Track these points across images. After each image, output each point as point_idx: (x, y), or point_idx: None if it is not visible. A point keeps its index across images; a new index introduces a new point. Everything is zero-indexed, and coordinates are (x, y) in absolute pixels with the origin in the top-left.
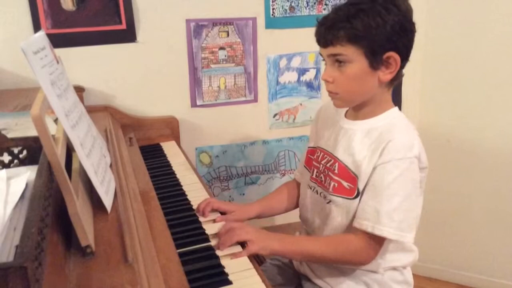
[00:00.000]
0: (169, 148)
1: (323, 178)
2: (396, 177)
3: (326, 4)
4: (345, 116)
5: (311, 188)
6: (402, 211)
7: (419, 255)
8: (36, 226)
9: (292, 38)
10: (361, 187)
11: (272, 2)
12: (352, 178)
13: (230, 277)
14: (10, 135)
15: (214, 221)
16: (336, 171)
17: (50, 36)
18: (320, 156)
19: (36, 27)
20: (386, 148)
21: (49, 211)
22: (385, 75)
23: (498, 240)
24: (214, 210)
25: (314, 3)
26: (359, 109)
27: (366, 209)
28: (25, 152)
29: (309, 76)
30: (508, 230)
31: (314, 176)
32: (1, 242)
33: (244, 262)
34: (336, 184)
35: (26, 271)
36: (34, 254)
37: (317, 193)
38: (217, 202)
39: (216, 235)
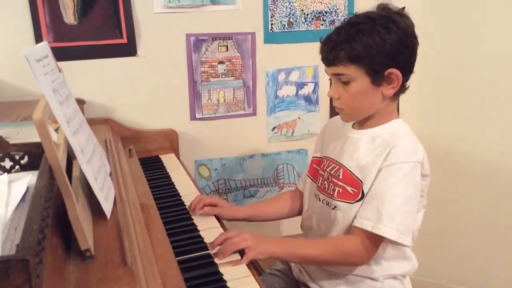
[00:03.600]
0: (168, 161)
1: (326, 185)
2: (399, 179)
3: (323, 20)
4: (352, 127)
5: (316, 197)
6: (402, 213)
7: (417, 269)
8: (37, 223)
9: (290, 53)
10: (365, 191)
11: (271, 17)
12: (357, 183)
13: (229, 284)
14: (11, 142)
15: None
16: (340, 177)
17: (51, 49)
18: (326, 164)
19: (38, 41)
20: (391, 151)
21: (49, 213)
22: (388, 90)
23: (496, 253)
24: (204, 207)
25: (312, 19)
26: (365, 121)
27: (368, 208)
28: (26, 158)
29: (307, 90)
30: (506, 243)
31: (319, 184)
32: (2, 241)
33: (242, 269)
34: (340, 190)
35: (28, 264)
36: (36, 250)
37: (320, 200)
38: (208, 198)
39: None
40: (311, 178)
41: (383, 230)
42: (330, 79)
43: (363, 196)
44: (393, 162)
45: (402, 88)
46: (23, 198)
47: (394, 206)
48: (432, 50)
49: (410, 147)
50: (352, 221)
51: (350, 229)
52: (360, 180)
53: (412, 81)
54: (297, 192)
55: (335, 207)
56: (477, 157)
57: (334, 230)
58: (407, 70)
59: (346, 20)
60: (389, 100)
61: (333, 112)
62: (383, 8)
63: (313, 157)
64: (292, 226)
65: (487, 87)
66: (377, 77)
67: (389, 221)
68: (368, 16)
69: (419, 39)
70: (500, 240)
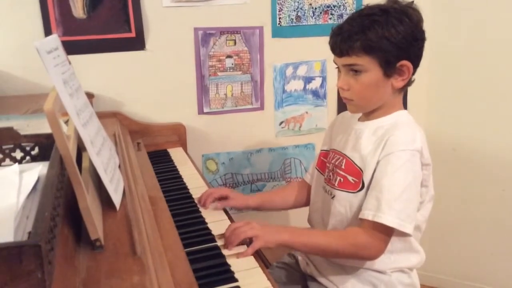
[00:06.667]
0: (176, 154)
1: (331, 176)
2: (397, 168)
3: (332, 14)
4: (358, 119)
5: (323, 189)
6: (402, 200)
7: (425, 264)
8: (49, 211)
9: (298, 47)
10: (366, 181)
11: (279, 11)
12: (358, 172)
13: (236, 275)
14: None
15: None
16: (343, 167)
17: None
18: (332, 156)
19: (48, 35)
20: (388, 141)
21: (60, 202)
22: (398, 82)
23: (504, 249)
24: (215, 200)
25: (320, 13)
26: (370, 113)
27: (369, 199)
28: (36, 149)
29: (315, 84)
30: None
31: (326, 177)
32: (15, 228)
33: (250, 261)
34: (342, 179)
35: (40, 250)
36: (48, 237)
37: (326, 191)
38: (217, 191)
39: (222, 235)
40: (319, 171)
41: (384, 218)
42: (338, 70)
43: (363, 186)
44: (390, 151)
45: (409, 82)
46: (34, 188)
47: (393, 194)
48: (442, 46)
49: (407, 136)
50: (356, 212)
51: (355, 222)
52: (361, 169)
53: (422, 77)
54: (304, 183)
55: (334, 196)
56: (485, 153)
57: (331, 220)
58: (415, 63)
59: (357, 11)
60: (396, 92)
61: (341, 107)
62: (394, 1)
63: (321, 150)
64: (300, 218)
65: (497, 84)
66: (389, 68)
67: (389, 209)
68: (381, 8)
69: (429, 35)
70: (507, 236)
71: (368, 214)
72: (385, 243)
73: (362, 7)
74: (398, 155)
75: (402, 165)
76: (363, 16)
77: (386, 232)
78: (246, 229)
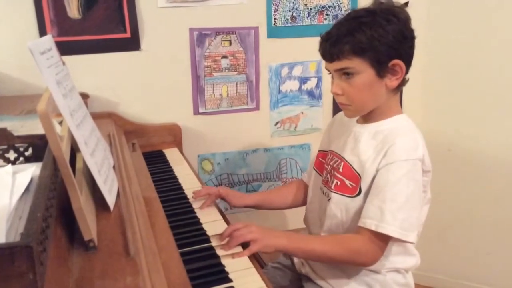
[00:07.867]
0: (172, 155)
1: (329, 178)
2: (400, 177)
3: (327, 15)
4: (357, 121)
5: (321, 190)
6: (405, 210)
7: (421, 264)
8: (41, 212)
9: (293, 47)
10: (363, 187)
11: (274, 12)
12: (356, 177)
13: (231, 276)
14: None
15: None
16: (340, 170)
17: (55, 43)
18: (330, 158)
19: (42, 35)
20: (390, 149)
21: (53, 203)
22: (392, 81)
23: (500, 249)
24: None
25: (315, 14)
26: (368, 115)
27: (370, 208)
28: (30, 150)
29: (310, 84)
30: (509, 239)
31: (324, 178)
32: (7, 229)
33: (244, 261)
34: (338, 182)
35: (32, 251)
36: (40, 238)
37: (323, 193)
38: (215, 193)
39: (217, 236)
40: (317, 171)
41: (387, 229)
42: (331, 76)
43: (360, 191)
44: (393, 161)
45: (403, 81)
46: (27, 189)
47: (396, 204)
48: (437, 46)
49: (410, 144)
50: (353, 217)
51: (351, 227)
52: (359, 175)
53: (417, 77)
54: (302, 182)
55: (330, 198)
56: (481, 153)
57: (327, 221)
58: (408, 62)
59: (344, 16)
60: (391, 93)
61: (336, 107)
62: (380, 2)
63: (319, 150)
64: (298, 219)
65: (492, 83)
66: (381, 68)
67: (392, 219)
68: (367, 10)
69: (424, 35)
70: (503, 235)
71: (370, 223)
72: (382, 251)
73: (357, 7)
74: (400, 164)
75: (404, 175)
76: (350, 20)
77: (385, 241)
78: (244, 232)
